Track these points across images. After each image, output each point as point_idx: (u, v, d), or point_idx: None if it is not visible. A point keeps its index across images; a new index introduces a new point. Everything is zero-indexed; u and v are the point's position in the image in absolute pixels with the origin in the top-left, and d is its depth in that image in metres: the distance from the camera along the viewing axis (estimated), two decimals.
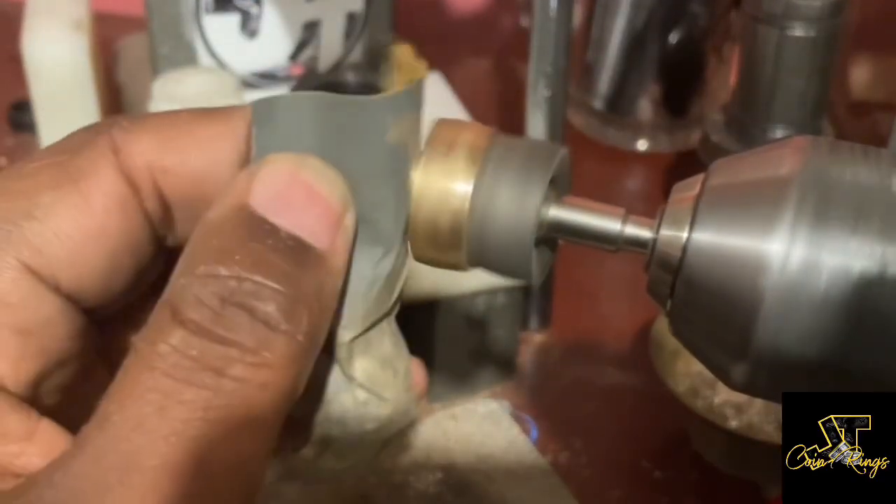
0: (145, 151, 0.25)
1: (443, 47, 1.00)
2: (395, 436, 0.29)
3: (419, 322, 0.64)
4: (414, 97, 0.28)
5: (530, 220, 0.28)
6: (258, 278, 0.22)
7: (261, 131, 0.26)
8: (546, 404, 0.65)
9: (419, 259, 0.29)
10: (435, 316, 0.61)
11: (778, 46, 0.68)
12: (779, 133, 0.70)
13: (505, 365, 0.67)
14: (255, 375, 0.21)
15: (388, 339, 0.29)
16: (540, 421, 0.63)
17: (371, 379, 0.28)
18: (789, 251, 0.25)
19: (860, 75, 0.90)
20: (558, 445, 0.62)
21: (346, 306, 0.27)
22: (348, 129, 0.26)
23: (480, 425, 0.60)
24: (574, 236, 0.29)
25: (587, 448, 0.62)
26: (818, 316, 0.25)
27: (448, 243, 0.28)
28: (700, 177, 0.28)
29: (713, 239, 0.26)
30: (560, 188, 0.29)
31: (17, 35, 0.72)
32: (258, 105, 0.26)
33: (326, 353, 0.27)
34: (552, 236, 0.29)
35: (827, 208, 0.25)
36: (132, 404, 0.21)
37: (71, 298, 0.25)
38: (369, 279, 0.27)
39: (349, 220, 0.25)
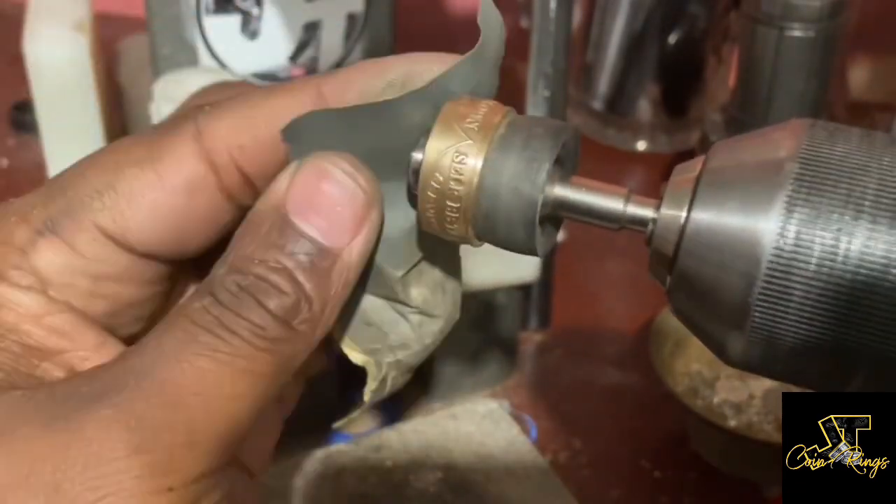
0: (224, 134, 0.29)
1: (443, 47, 1.00)
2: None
3: None
4: (435, 92, 0.29)
5: (535, 199, 0.28)
6: (272, 279, 0.27)
7: (293, 147, 0.29)
8: (546, 404, 0.65)
9: (427, 230, 0.30)
10: None
11: (777, 47, 0.68)
12: None
13: (505, 365, 0.67)
14: (256, 341, 0.27)
15: (440, 264, 0.32)
16: (539, 421, 0.63)
17: (425, 302, 0.32)
18: (784, 230, 0.26)
19: (859, 75, 0.90)
20: (558, 445, 0.62)
21: (390, 252, 0.31)
22: (373, 129, 0.29)
23: (480, 425, 0.60)
24: (578, 215, 0.29)
25: (587, 448, 0.62)
26: (812, 293, 0.26)
27: (455, 217, 0.29)
28: (701, 158, 0.29)
29: (711, 217, 0.27)
30: (568, 166, 0.30)
31: (18, 36, 0.72)
32: (288, 127, 0.29)
33: (380, 293, 0.31)
34: (557, 214, 0.30)
35: (822, 189, 0.26)
36: (165, 337, 0.27)
37: (144, 256, 0.30)
38: (406, 228, 0.31)
39: (374, 214, 0.29)
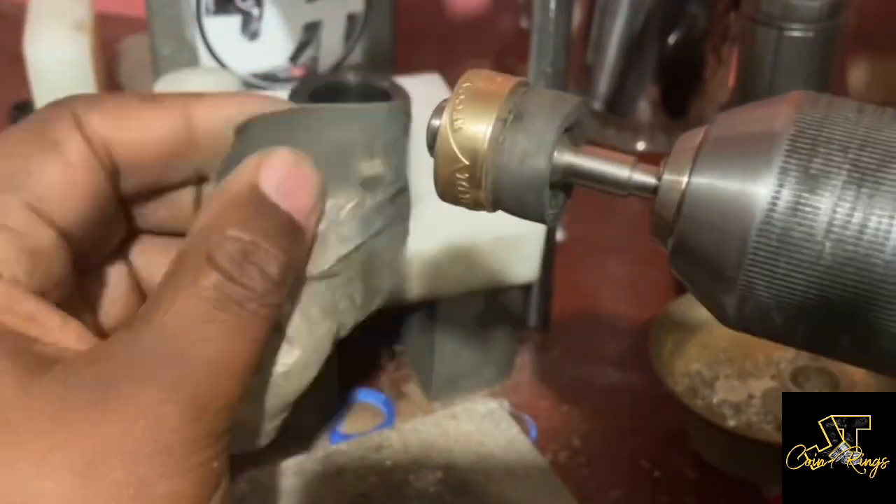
0: (101, 127, 0.33)
1: (443, 47, 1.00)
2: (300, 396, 0.34)
3: (419, 322, 0.64)
4: (363, 115, 0.33)
5: (544, 165, 0.30)
6: (267, 247, 0.31)
7: (238, 140, 0.33)
8: (546, 404, 0.65)
9: (442, 197, 0.32)
10: (435, 316, 0.62)
11: (776, 47, 0.68)
12: None
13: (505, 364, 0.67)
14: (260, 310, 0.30)
15: (318, 304, 0.34)
16: (539, 421, 0.63)
17: (290, 325, 0.33)
18: (777, 195, 0.27)
19: (858, 76, 0.90)
20: (558, 445, 0.62)
21: None
22: (302, 141, 0.33)
23: (480, 425, 0.60)
24: (586, 181, 0.31)
25: (586, 447, 0.62)
26: (801, 257, 0.27)
27: (468, 182, 0.31)
28: (703, 127, 0.30)
29: (710, 182, 0.29)
30: (577, 135, 0.31)
31: (19, 36, 0.72)
32: (239, 126, 0.33)
33: None
34: (567, 181, 0.31)
35: (815, 157, 0.27)
36: (180, 311, 0.30)
37: (61, 232, 0.32)
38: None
39: (322, 203, 0.33)
